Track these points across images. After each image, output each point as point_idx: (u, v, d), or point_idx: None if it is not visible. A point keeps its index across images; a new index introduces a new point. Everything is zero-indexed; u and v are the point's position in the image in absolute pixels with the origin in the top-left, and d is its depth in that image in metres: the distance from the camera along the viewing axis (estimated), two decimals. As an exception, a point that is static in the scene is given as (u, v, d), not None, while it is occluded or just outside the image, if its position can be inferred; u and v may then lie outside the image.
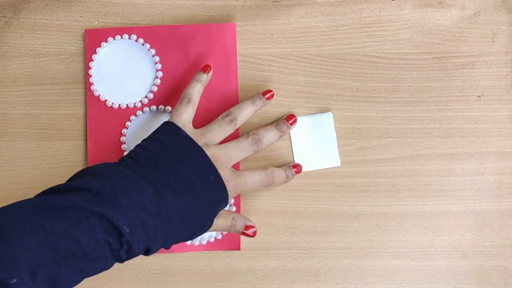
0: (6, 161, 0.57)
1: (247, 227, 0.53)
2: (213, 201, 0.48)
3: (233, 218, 0.53)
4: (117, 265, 0.56)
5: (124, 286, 0.56)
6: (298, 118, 0.56)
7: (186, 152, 0.48)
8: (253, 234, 0.53)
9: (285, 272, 0.56)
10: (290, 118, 0.55)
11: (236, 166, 0.56)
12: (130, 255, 0.43)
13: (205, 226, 0.49)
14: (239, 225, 0.53)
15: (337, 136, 0.57)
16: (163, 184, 0.44)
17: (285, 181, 0.55)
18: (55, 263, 0.38)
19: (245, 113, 0.54)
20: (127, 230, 0.41)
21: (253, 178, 0.52)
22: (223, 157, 0.50)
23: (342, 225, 0.56)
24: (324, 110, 0.57)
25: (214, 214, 0.50)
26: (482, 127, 0.57)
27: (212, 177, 0.48)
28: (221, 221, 0.52)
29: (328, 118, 0.57)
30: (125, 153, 0.56)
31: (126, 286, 0.56)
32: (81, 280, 0.41)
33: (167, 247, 0.46)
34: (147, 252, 0.44)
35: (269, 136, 0.54)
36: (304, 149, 0.56)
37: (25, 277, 0.37)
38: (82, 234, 0.39)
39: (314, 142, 0.57)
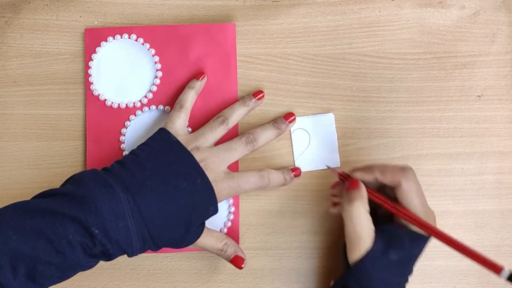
0: (6, 161, 0.57)
1: (237, 258, 0.53)
2: (199, 204, 0.48)
3: (225, 244, 0.53)
4: (117, 265, 0.56)
5: (124, 286, 0.56)
6: (299, 118, 0.56)
7: (174, 156, 0.49)
8: (241, 267, 0.53)
9: (285, 272, 0.56)
10: (289, 117, 0.55)
11: (234, 167, 0.56)
12: (108, 255, 0.45)
13: (191, 229, 0.49)
14: (230, 252, 0.53)
15: (337, 136, 0.57)
16: (143, 186, 0.46)
17: (283, 184, 0.54)
18: (32, 259, 0.42)
19: (237, 114, 0.54)
20: (96, 231, 0.43)
21: (247, 180, 0.52)
22: (215, 159, 0.50)
23: (342, 225, 0.56)
24: (324, 110, 0.57)
25: (200, 217, 0.49)
26: (482, 127, 0.57)
27: (199, 180, 0.48)
28: (212, 241, 0.52)
29: (329, 119, 0.57)
30: (124, 153, 0.56)
31: (126, 286, 0.56)
32: (62, 277, 0.44)
33: (153, 249, 0.48)
34: (128, 254, 0.46)
35: (266, 134, 0.54)
36: (304, 150, 0.56)
37: (7, 270, 0.41)
38: (54, 234, 0.43)
39: (314, 143, 0.57)
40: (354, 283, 0.47)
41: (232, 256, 0.53)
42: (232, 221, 0.56)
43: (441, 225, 0.56)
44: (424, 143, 0.57)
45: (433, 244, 0.56)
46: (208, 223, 0.55)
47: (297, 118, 0.56)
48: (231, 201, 0.56)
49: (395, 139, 0.57)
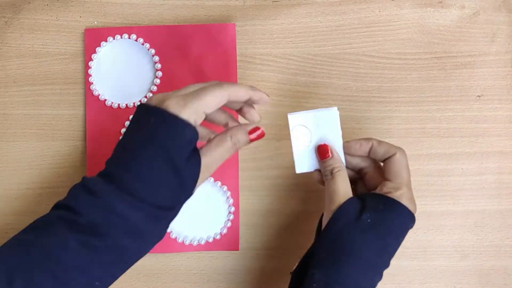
0: (6, 161, 0.57)
1: (252, 132, 0.45)
2: (164, 136, 0.41)
3: (231, 136, 0.44)
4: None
5: (124, 286, 0.56)
6: (299, 114, 0.50)
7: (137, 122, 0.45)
8: (261, 134, 0.46)
9: (285, 272, 0.56)
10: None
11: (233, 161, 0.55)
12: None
13: (180, 169, 0.41)
14: (242, 138, 0.45)
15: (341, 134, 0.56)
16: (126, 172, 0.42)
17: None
18: (27, 268, 0.39)
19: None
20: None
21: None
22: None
23: (342, 225, 0.56)
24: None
25: (179, 146, 0.42)
26: (482, 127, 0.57)
27: (152, 119, 0.43)
28: (219, 150, 0.44)
29: (333, 114, 0.50)
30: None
31: (126, 286, 0.56)
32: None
33: (167, 215, 0.43)
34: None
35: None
36: (305, 148, 0.51)
37: (2, 284, 0.38)
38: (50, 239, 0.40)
39: (317, 140, 0.51)
40: (320, 249, 0.45)
41: (247, 138, 0.45)
42: (232, 221, 0.56)
43: (441, 225, 0.57)
44: (424, 143, 0.57)
45: (433, 244, 0.56)
46: (209, 222, 0.56)
47: (297, 113, 0.50)
48: (231, 201, 0.56)
49: (395, 139, 0.57)
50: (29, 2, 0.58)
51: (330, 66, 0.57)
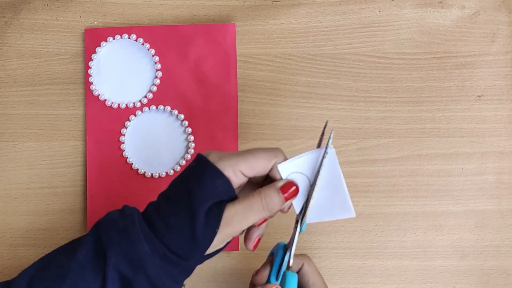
0: (6, 161, 0.57)
1: (285, 189, 0.42)
2: (192, 180, 0.41)
3: (259, 192, 0.42)
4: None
5: (124, 286, 0.56)
6: (291, 161, 0.42)
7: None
8: (296, 191, 0.43)
9: (285, 272, 0.56)
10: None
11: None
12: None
13: (197, 217, 0.40)
14: (273, 196, 0.42)
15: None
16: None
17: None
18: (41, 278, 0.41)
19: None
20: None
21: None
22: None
23: (342, 225, 0.56)
24: (323, 110, 0.57)
25: (203, 196, 0.40)
26: (482, 127, 0.57)
27: (192, 163, 0.44)
28: (243, 203, 0.41)
29: (330, 156, 0.42)
30: (123, 153, 0.56)
31: (126, 286, 0.56)
32: None
33: (185, 265, 0.44)
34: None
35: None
36: (305, 199, 0.45)
37: None
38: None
39: (316, 189, 0.43)
40: None
41: (281, 198, 0.43)
42: (232, 221, 0.56)
43: (441, 225, 0.57)
44: (424, 143, 0.57)
45: (433, 244, 0.56)
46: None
47: (288, 161, 0.42)
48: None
49: (395, 139, 0.57)
50: (29, 2, 0.58)
51: (330, 66, 0.57)
